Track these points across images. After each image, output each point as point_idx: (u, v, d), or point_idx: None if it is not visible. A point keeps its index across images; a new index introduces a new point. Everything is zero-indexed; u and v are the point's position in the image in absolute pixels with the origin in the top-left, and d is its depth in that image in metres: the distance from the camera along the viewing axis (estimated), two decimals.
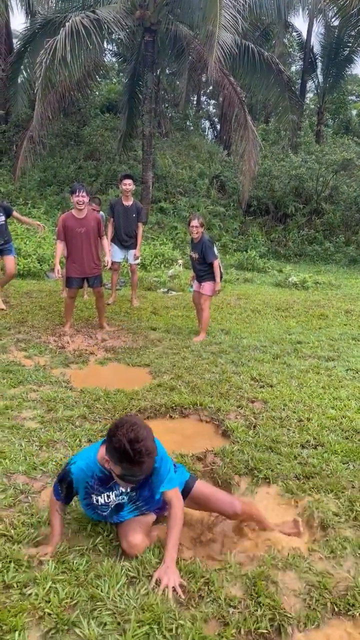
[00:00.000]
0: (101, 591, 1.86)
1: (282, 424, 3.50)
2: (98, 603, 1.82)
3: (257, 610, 1.84)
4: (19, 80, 12.96)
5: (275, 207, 15.73)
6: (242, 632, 1.76)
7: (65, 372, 4.45)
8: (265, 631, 1.77)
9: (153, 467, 2.00)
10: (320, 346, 5.60)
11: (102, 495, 2.10)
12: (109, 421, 3.43)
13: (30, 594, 1.85)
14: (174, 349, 5.28)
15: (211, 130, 24.47)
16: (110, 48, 17.29)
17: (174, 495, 2.13)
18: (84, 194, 5.45)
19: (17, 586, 1.89)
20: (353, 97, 23.98)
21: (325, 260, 14.25)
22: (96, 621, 1.75)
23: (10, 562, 2.00)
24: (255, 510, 2.41)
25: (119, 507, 2.15)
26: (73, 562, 2.01)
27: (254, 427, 3.46)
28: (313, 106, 22.22)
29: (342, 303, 8.39)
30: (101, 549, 2.14)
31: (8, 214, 6.47)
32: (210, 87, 21.93)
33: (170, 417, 3.73)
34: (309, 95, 22.39)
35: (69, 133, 16.31)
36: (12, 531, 2.19)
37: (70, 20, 9.52)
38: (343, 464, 2.95)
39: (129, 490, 2.11)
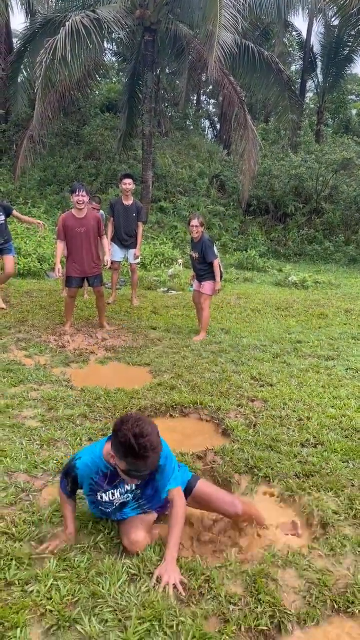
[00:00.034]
0: (102, 588, 1.88)
1: (282, 423, 3.51)
2: (99, 600, 1.84)
3: (257, 608, 1.85)
4: (19, 80, 12.96)
5: (275, 206, 15.73)
6: (243, 629, 1.77)
7: (65, 372, 4.46)
8: (265, 628, 1.79)
9: (158, 464, 2.01)
10: (320, 345, 5.61)
11: (107, 493, 2.11)
12: (109, 420, 3.45)
13: (31, 592, 1.86)
14: (174, 348, 5.29)
15: (211, 129, 24.49)
16: (111, 48, 17.30)
17: (176, 493, 2.14)
18: (84, 193, 5.46)
19: (19, 584, 1.90)
20: (353, 97, 23.99)
21: (325, 260, 14.26)
22: (97, 618, 1.76)
23: (12, 559, 2.01)
24: (255, 511, 2.43)
25: (122, 505, 2.16)
26: (74, 560, 2.02)
27: (254, 426, 3.47)
28: (313, 106, 22.23)
29: (342, 302, 8.40)
30: (102, 546, 2.15)
31: (8, 214, 6.48)
32: (210, 87, 21.93)
33: (171, 416, 3.74)
34: (309, 94, 22.40)
35: (69, 132, 16.32)
36: (14, 529, 2.20)
37: (70, 20, 9.52)
38: (343, 462, 2.96)
39: (134, 488, 2.13)
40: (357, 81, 23.88)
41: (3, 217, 6.38)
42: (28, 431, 3.21)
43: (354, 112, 23.23)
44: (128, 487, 2.12)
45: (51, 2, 14.25)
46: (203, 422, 3.68)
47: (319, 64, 18.60)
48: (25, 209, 11.79)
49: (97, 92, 18.43)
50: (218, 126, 23.01)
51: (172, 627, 1.74)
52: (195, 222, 5.58)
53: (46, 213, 12.11)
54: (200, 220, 5.63)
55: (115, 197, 11.14)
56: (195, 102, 23.53)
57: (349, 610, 1.89)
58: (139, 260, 7.60)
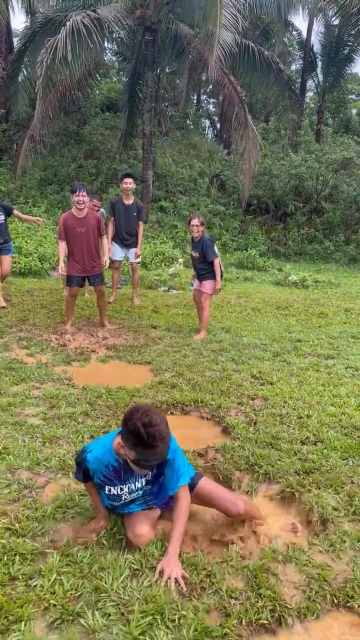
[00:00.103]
0: (105, 583, 1.90)
1: (282, 421, 3.53)
2: (102, 594, 1.86)
3: (258, 602, 1.88)
4: (20, 79, 12.99)
5: (275, 206, 15.74)
6: (244, 622, 1.80)
7: (67, 370, 4.49)
8: (266, 622, 1.81)
9: (167, 458, 2.05)
10: (320, 344, 5.63)
11: (116, 487, 2.15)
12: (110, 418, 3.47)
13: (35, 586, 1.89)
14: (174, 347, 5.31)
15: (211, 129, 24.48)
16: (111, 47, 17.28)
17: (181, 489, 2.17)
18: (84, 193, 5.48)
19: (23, 578, 1.93)
20: (353, 96, 23.99)
21: (325, 259, 14.28)
22: (100, 612, 1.79)
23: (15, 554, 2.04)
24: (256, 510, 2.46)
25: (130, 501, 2.20)
26: (77, 555, 2.05)
27: (255, 423, 3.49)
28: (313, 105, 22.23)
29: (341, 301, 8.43)
30: (105, 542, 2.18)
31: (8, 213, 6.50)
32: (211, 86, 21.91)
33: (172, 414, 3.76)
34: (309, 94, 22.42)
35: (70, 132, 16.33)
36: (17, 525, 2.23)
37: (71, 19, 9.53)
38: (342, 459, 2.98)
39: (144, 484, 2.16)
40: (357, 80, 23.88)
41: (3, 217, 6.40)
42: (30, 429, 3.23)
43: (354, 111, 23.23)
44: (139, 484, 2.15)
45: (51, 1, 14.27)
46: (204, 420, 3.71)
47: (319, 63, 18.61)
48: (26, 208, 11.81)
49: (98, 92, 18.44)
50: (218, 125, 23.01)
51: (173, 620, 1.76)
52: (195, 222, 5.60)
53: (46, 212, 12.13)
54: (201, 220, 5.65)
55: (115, 196, 11.16)
56: (195, 101, 23.52)
57: (348, 605, 1.92)
58: (139, 259, 7.62)
